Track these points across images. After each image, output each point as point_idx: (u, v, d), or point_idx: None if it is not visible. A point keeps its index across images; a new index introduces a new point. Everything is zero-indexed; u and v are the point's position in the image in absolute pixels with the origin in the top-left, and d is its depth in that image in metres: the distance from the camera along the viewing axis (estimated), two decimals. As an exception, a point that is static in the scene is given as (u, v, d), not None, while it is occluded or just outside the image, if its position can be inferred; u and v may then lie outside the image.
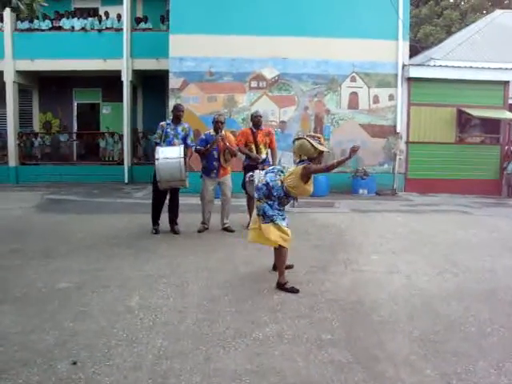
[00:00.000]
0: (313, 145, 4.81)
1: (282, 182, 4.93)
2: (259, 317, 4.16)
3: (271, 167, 5.41)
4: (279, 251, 4.96)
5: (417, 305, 4.53)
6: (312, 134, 5.19)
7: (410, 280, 5.31)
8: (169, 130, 7.43)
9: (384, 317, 4.21)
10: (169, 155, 6.98)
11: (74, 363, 3.28)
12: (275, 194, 4.90)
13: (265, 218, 4.93)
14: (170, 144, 7.31)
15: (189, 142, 7.48)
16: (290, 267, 5.38)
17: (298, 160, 5.00)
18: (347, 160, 4.84)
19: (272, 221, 4.89)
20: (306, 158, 4.89)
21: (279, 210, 4.97)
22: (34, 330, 3.83)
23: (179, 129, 7.50)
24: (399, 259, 6.18)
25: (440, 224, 8.95)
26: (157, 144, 7.40)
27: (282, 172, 5.04)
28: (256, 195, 5.06)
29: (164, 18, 16.11)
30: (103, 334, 3.75)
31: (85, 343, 3.59)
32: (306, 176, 4.83)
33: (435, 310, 4.38)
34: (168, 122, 7.59)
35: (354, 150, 4.71)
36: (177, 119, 7.53)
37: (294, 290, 4.81)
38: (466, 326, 4.02)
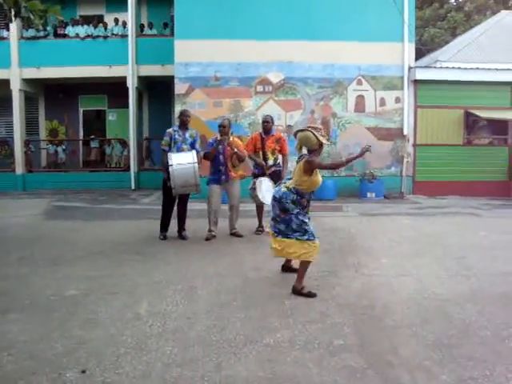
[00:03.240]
0: (317, 137, 4.82)
1: (288, 188, 4.90)
2: (270, 322, 4.10)
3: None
4: (305, 263, 4.88)
5: (430, 308, 4.45)
6: (314, 125, 5.17)
7: (421, 283, 5.23)
8: (177, 136, 7.41)
9: (396, 321, 4.14)
10: (182, 161, 6.98)
11: (83, 372, 3.24)
12: (288, 200, 4.85)
13: (289, 231, 4.88)
14: (179, 150, 7.30)
15: (197, 147, 7.46)
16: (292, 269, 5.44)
17: (298, 152, 5.06)
18: (357, 158, 4.91)
19: (302, 235, 4.83)
20: (305, 150, 4.95)
21: (304, 215, 4.91)
22: (42, 338, 3.79)
23: (187, 135, 7.48)
24: (410, 262, 6.11)
25: (450, 226, 8.86)
26: (164, 151, 7.38)
27: (284, 182, 5.11)
28: (272, 214, 5.05)
29: (167, 25, 16.15)
30: (112, 342, 3.71)
31: (93, 351, 3.55)
32: (309, 170, 4.82)
33: (449, 314, 4.30)
34: (175, 128, 7.57)
35: (365, 150, 4.69)
36: (184, 125, 7.52)
37: (311, 295, 4.74)
38: (481, 330, 3.94)
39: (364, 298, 4.76)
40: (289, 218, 4.86)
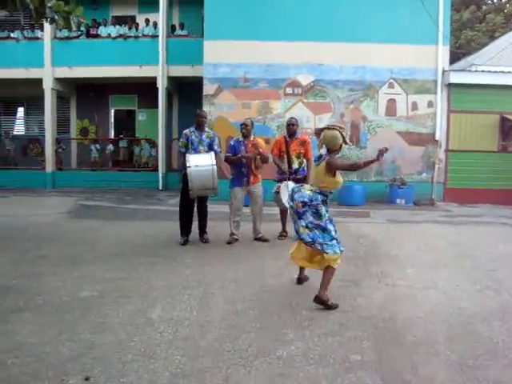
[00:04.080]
0: (344, 138, 4.67)
1: (311, 191, 4.71)
2: (285, 333, 3.92)
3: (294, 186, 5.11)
4: (330, 270, 4.61)
5: (455, 325, 4.20)
6: (340, 124, 5.00)
7: (447, 297, 4.98)
8: (193, 137, 7.30)
9: (418, 337, 3.91)
10: (200, 163, 6.84)
11: (87, 379, 3.13)
12: (319, 201, 4.65)
13: (327, 240, 4.62)
14: (196, 151, 7.18)
15: (215, 148, 7.33)
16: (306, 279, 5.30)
17: (319, 150, 4.85)
18: (374, 162, 4.64)
19: (334, 247, 4.60)
20: (324, 149, 4.76)
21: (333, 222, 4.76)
22: (50, 340, 3.71)
23: (204, 136, 7.36)
24: (436, 274, 5.84)
25: (481, 237, 8.53)
26: (181, 152, 7.29)
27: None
28: (303, 223, 4.66)
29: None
30: (120, 348, 3.59)
31: (100, 357, 3.44)
32: (332, 171, 4.64)
33: (475, 332, 4.04)
34: (192, 129, 7.43)
35: (382, 153, 4.47)
36: (200, 126, 7.39)
37: (333, 306, 4.50)
38: (510, 350, 3.67)
39: (386, 310, 4.54)
40: (324, 225, 4.63)
